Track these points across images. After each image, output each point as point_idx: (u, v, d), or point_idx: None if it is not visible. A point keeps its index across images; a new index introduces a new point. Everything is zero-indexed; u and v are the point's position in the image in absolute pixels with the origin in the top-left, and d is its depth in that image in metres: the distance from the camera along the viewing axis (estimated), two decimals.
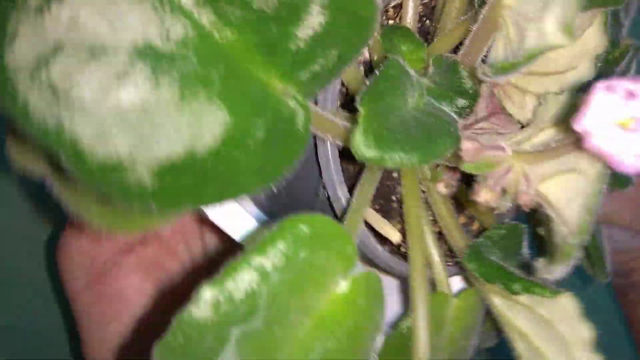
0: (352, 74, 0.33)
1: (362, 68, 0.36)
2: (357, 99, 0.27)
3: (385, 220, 0.35)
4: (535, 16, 0.24)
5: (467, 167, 0.27)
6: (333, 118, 0.29)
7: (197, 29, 0.22)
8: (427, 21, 0.40)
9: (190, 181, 0.23)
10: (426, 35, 0.40)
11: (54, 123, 0.20)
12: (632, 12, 0.40)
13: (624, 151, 0.21)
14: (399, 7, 0.38)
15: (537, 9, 0.24)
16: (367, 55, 0.37)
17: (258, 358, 0.23)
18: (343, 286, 0.26)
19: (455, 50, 0.34)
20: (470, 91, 0.31)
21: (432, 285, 0.38)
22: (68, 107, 0.20)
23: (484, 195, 0.27)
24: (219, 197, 0.24)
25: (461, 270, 0.37)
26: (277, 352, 0.24)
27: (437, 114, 0.30)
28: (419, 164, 0.28)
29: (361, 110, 0.27)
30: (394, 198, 0.38)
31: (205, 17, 0.22)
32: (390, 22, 0.39)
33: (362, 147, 0.26)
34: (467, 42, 0.30)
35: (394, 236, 0.35)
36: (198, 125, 0.23)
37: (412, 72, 0.31)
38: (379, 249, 0.35)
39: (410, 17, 0.36)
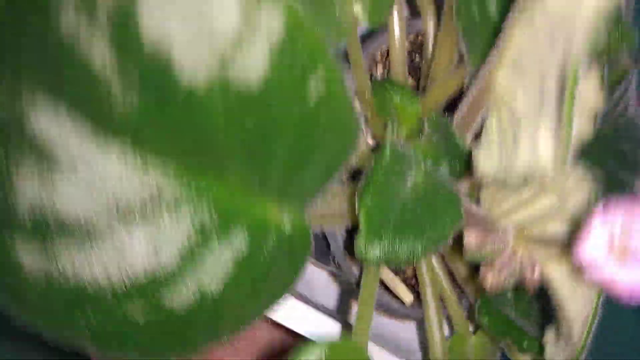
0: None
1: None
2: (357, 194, 0.28)
3: (400, 282, 0.36)
4: (529, 120, 0.23)
5: (471, 257, 0.27)
6: (334, 211, 0.30)
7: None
8: (417, 58, 0.39)
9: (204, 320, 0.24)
10: (417, 74, 0.39)
11: None
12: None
13: (618, 280, 0.21)
14: (387, 54, 0.37)
15: (530, 112, 0.23)
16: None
17: None
18: None
19: (449, 103, 0.34)
20: (466, 155, 0.31)
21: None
22: None
23: (490, 280, 0.28)
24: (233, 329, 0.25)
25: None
26: None
27: (438, 189, 0.30)
28: (422, 255, 0.28)
29: (360, 210, 0.27)
30: None
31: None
32: (379, 66, 0.37)
33: (365, 252, 0.27)
34: (461, 109, 0.29)
35: (407, 297, 0.36)
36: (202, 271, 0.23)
37: (408, 149, 0.30)
38: (394, 304, 0.36)
39: (399, 63, 0.35)
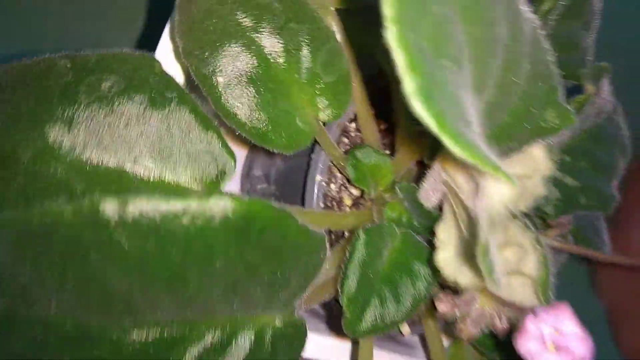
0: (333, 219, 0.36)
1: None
2: (338, 280, 0.32)
3: None
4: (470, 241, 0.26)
5: (445, 319, 0.31)
6: (322, 287, 0.34)
7: None
8: (385, 101, 0.41)
9: None
10: (387, 115, 0.41)
11: None
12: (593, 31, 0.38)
13: None
14: (356, 120, 0.39)
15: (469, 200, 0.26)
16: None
17: None
18: None
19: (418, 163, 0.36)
20: (435, 218, 0.34)
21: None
22: None
23: (466, 334, 0.32)
24: None
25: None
26: None
27: (412, 253, 0.34)
28: (403, 320, 0.32)
29: (342, 299, 0.31)
30: None
31: None
32: (351, 126, 0.40)
33: (354, 330, 0.31)
34: (424, 187, 0.32)
35: (405, 331, 0.40)
36: None
37: (381, 223, 0.34)
38: (396, 336, 0.41)
39: (368, 128, 0.37)
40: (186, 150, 0.29)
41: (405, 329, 0.40)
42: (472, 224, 0.24)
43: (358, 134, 0.40)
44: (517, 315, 0.31)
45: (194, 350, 0.27)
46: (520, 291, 0.31)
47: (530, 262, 0.31)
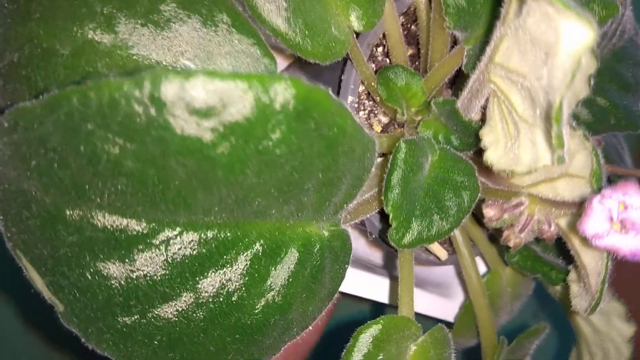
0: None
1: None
2: (382, 191, 0.31)
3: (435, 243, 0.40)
4: (526, 123, 0.25)
5: (492, 226, 0.31)
6: (365, 203, 0.33)
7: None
8: (413, 27, 0.40)
9: (276, 325, 0.29)
10: (416, 41, 0.40)
11: None
12: None
13: (620, 247, 0.24)
14: (383, 40, 0.38)
15: (526, 116, 0.25)
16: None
17: None
18: (413, 349, 0.32)
19: (450, 81, 0.35)
20: (475, 130, 0.33)
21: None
22: None
23: (513, 241, 0.31)
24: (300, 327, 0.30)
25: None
26: None
27: (454, 167, 0.33)
28: (450, 232, 0.31)
29: (387, 207, 0.30)
30: None
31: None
32: (379, 49, 0.39)
33: (400, 241, 0.30)
34: (464, 94, 0.32)
35: (442, 254, 0.40)
36: None
37: (419, 137, 0.33)
38: (433, 259, 0.40)
39: (397, 49, 0.36)
40: (225, 51, 0.28)
41: (442, 253, 0.40)
42: (535, 103, 0.24)
43: (385, 59, 0.39)
44: (568, 216, 0.31)
45: (245, 255, 0.27)
46: (568, 192, 0.30)
47: (577, 161, 0.30)
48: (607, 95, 0.39)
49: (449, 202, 0.32)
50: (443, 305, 0.45)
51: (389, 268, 0.46)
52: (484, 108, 0.31)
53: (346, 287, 0.40)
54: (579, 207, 0.27)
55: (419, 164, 0.32)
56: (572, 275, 0.32)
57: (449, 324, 0.44)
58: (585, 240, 0.30)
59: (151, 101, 0.21)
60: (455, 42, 0.34)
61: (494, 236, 0.42)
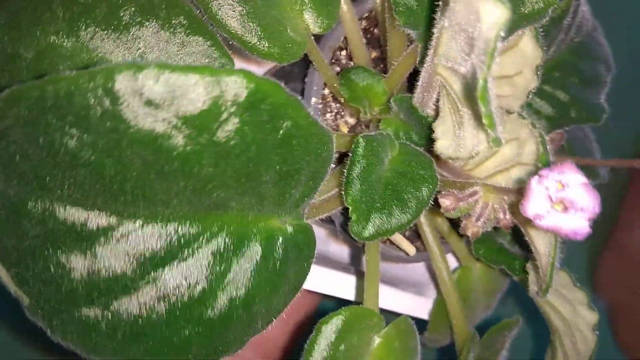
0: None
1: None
2: (343, 185, 0.32)
3: (403, 238, 0.41)
4: (467, 113, 0.26)
5: (449, 216, 0.32)
6: (328, 200, 0.34)
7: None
8: (375, 29, 0.41)
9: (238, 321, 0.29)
10: (378, 44, 0.41)
11: None
12: None
13: (562, 227, 0.25)
14: (345, 43, 0.40)
15: (465, 101, 0.26)
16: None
17: None
18: (377, 341, 0.33)
19: (410, 75, 0.37)
20: (429, 124, 0.34)
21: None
22: None
23: (471, 230, 0.32)
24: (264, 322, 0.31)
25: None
26: None
27: (413, 161, 0.34)
28: (409, 223, 0.32)
29: (347, 202, 0.31)
30: None
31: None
32: (343, 53, 0.40)
33: (360, 233, 0.31)
34: (418, 90, 0.33)
35: (410, 250, 0.41)
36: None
37: (380, 132, 0.34)
38: (402, 255, 0.41)
39: (359, 50, 0.38)
40: (184, 52, 0.29)
41: (409, 248, 0.41)
42: (468, 86, 0.25)
43: (349, 62, 0.41)
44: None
45: (207, 249, 0.27)
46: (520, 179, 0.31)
47: (528, 150, 0.31)
48: (568, 90, 0.41)
49: (408, 194, 0.33)
50: (420, 304, 0.45)
51: (356, 265, 0.47)
52: (437, 102, 0.33)
53: (312, 284, 0.41)
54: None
55: (378, 158, 0.33)
56: (530, 264, 0.33)
57: (425, 323, 0.45)
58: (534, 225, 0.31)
59: (105, 93, 0.22)
60: (411, 41, 0.36)
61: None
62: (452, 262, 0.45)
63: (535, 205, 0.25)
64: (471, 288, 0.43)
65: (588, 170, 0.47)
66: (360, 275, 0.44)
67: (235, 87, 0.24)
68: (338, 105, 0.41)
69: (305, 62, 0.39)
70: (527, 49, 0.32)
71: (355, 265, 0.47)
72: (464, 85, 0.25)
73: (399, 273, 0.48)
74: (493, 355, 0.42)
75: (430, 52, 0.29)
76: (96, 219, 0.25)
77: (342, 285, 0.42)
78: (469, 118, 0.26)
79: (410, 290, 0.45)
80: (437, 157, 0.34)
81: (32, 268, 0.25)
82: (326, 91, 0.40)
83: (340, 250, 0.48)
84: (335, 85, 0.37)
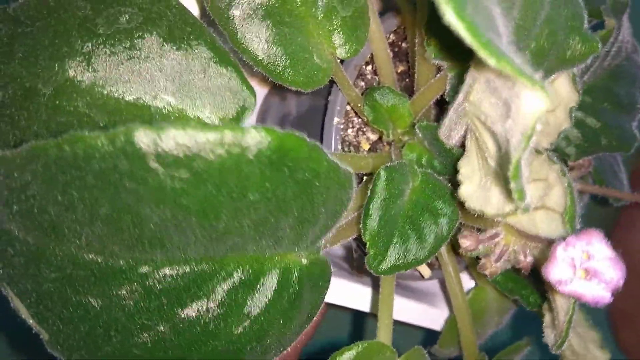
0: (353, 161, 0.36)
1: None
2: (361, 218, 0.32)
3: None
4: (495, 167, 0.25)
5: (469, 256, 0.31)
6: (344, 228, 0.34)
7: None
8: (403, 44, 0.40)
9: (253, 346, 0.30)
10: (406, 58, 0.40)
11: None
12: None
13: (583, 294, 0.24)
14: (371, 58, 0.38)
15: (495, 161, 0.25)
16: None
17: None
18: None
19: (437, 102, 0.36)
20: (456, 157, 0.33)
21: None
22: None
23: (490, 270, 0.32)
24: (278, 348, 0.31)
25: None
26: None
27: (434, 192, 0.33)
28: (426, 259, 0.32)
29: (365, 235, 0.31)
30: None
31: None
32: (368, 68, 0.39)
33: (377, 267, 0.31)
34: (445, 122, 0.32)
35: (426, 273, 0.40)
36: None
37: (401, 162, 0.33)
38: (416, 274, 0.41)
39: (385, 69, 0.36)
40: (205, 85, 0.28)
41: (425, 271, 0.41)
42: (501, 150, 0.24)
43: (374, 77, 0.39)
44: (542, 249, 0.31)
45: (223, 287, 0.28)
46: (545, 225, 0.31)
47: (554, 195, 0.31)
48: (599, 116, 0.39)
49: (427, 229, 0.32)
50: (432, 315, 0.46)
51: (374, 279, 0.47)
52: (464, 137, 0.32)
53: (328, 296, 0.41)
54: (550, 244, 0.28)
55: (398, 190, 0.32)
56: (546, 306, 0.33)
57: (437, 333, 0.45)
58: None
59: (124, 154, 0.22)
60: (440, 68, 0.34)
61: None
62: (466, 278, 0.44)
63: (558, 272, 0.25)
64: (485, 308, 0.43)
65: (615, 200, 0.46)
66: (375, 282, 0.43)
67: (256, 144, 0.23)
68: (360, 120, 0.40)
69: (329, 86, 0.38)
70: (563, 90, 0.30)
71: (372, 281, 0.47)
72: (496, 145, 0.24)
73: (411, 284, 0.48)
74: None
75: (461, 94, 0.28)
76: (113, 264, 0.25)
77: (357, 297, 0.42)
78: (496, 178, 0.26)
79: (423, 300, 0.45)
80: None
81: (51, 309, 0.25)
82: (348, 107, 0.39)
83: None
84: (359, 105, 0.36)
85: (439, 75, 0.34)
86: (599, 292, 0.24)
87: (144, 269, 0.25)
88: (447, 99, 0.32)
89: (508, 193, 0.25)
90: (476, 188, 0.28)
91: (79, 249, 0.24)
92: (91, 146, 0.21)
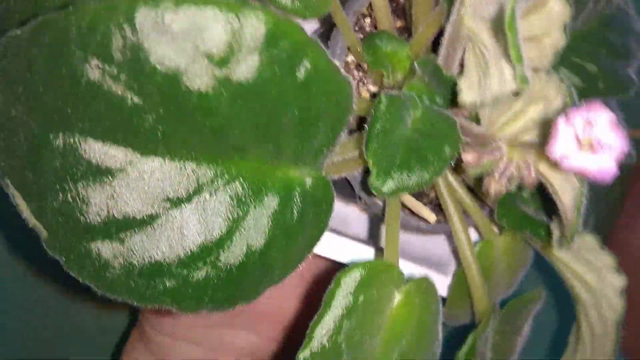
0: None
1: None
2: (363, 141, 0.32)
3: (422, 205, 0.40)
4: (493, 52, 0.26)
5: (471, 173, 0.31)
6: (348, 159, 0.34)
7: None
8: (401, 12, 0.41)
9: (255, 270, 0.29)
10: (404, 14, 0.41)
11: None
12: None
13: (589, 167, 0.24)
14: (370, 10, 0.40)
15: (492, 45, 0.26)
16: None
17: None
18: (398, 298, 0.32)
19: (434, 41, 0.36)
20: (454, 83, 0.34)
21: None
22: None
23: (494, 188, 0.31)
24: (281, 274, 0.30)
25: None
26: None
27: (436, 119, 0.34)
28: (430, 181, 0.32)
29: (368, 156, 0.31)
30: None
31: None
32: (367, 19, 0.40)
33: (380, 188, 0.31)
34: (442, 48, 0.33)
35: (431, 217, 0.40)
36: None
37: (403, 93, 0.34)
38: (422, 225, 0.41)
39: (383, 15, 0.38)
40: None
41: (430, 216, 0.40)
42: (497, 24, 0.24)
43: (373, 29, 0.40)
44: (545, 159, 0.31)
45: (224, 193, 0.27)
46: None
47: (554, 108, 0.31)
48: (596, 61, 0.40)
49: (429, 153, 0.32)
50: (441, 281, 0.44)
51: (375, 239, 0.46)
52: (462, 61, 0.32)
53: (331, 253, 0.40)
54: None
55: (400, 116, 0.32)
56: (554, 224, 0.32)
57: (444, 300, 0.44)
58: (562, 179, 0.30)
59: (127, 23, 0.22)
60: (437, 3, 0.35)
61: (485, 204, 0.42)
62: (475, 237, 0.44)
63: (561, 146, 0.24)
64: (493, 263, 0.42)
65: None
66: (378, 249, 0.43)
67: (254, 24, 0.24)
68: (361, 73, 0.40)
69: (329, 31, 0.39)
70: (556, 8, 0.31)
71: (373, 240, 0.47)
72: (493, 28, 0.25)
73: (420, 252, 0.47)
74: (515, 330, 0.40)
75: (457, 4, 0.29)
76: (116, 154, 0.25)
77: (361, 256, 0.42)
78: (495, 61, 0.26)
79: (432, 267, 0.44)
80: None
81: (51, 201, 0.25)
82: (349, 58, 0.40)
83: (359, 228, 0.48)
84: (358, 49, 0.37)
85: (434, 12, 0.35)
86: (604, 161, 0.24)
87: (147, 163, 0.25)
88: (444, 26, 0.33)
89: (508, 66, 0.25)
90: (474, 90, 0.28)
91: (82, 134, 0.24)
92: (95, 15, 0.22)
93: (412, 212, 0.41)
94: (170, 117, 0.25)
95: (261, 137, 0.27)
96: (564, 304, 0.41)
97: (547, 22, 0.33)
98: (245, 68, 0.25)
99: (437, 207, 0.44)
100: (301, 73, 0.26)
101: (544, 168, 0.31)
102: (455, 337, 0.40)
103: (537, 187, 0.32)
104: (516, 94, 0.27)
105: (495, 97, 0.26)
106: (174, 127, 0.25)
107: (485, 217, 0.42)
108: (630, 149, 0.48)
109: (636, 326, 0.64)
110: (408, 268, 0.43)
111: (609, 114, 0.24)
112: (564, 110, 0.28)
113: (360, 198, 0.40)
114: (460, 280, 0.41)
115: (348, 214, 0.47)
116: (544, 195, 0.37)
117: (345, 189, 0.42)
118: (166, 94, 0.24)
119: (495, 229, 0.43)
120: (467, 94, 0.28)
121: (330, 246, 0.40)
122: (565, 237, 0.27)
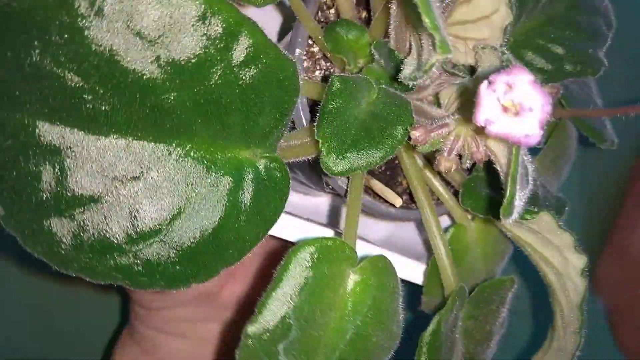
0: (311, 88, 0.37)
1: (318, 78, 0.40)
2: (316, 121, 0.32)
3: (389, 189, 0.40)
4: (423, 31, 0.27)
5: (422, 149, 0.32)
6: (304, 144, 0.35)
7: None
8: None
9: (209, 250, 0.30)
10: (368, 5, 0.42)
11: None
12: None
13: (513, 131, 0.24)
14: (334, 5, 0.41)
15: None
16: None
17: (306, 356, 0.30)
18: (352, 276, 0.32)
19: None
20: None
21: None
22: None
23: (444, 165, 0.32)
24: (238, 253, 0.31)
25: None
26: (319, 345, 0.31)
27: (390, 103, 0.34)
28: (382, 160, 0.32)
29: (318, 135, 0.32)
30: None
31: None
32: (332, 12, 0.41)
33: (331, 167, 0.32)
34: (392, 32, 0.33)
35: (396, 201, 0.40)
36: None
37: (358, 76, 0.35)
38: (392, 210, 0.41)
39: (345, 4, 0.39)
40: None
41: (396, 200, 0.40)
42: None
43: (338, 19, 0.41)
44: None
45: (173, 173, 0.28)
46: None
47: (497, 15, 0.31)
48: (563, 43, 0.40)
49: (382, 133, 0.33)
50: (416, 268, 0.45)
51: (336, 224, 0.47)
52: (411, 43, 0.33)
53: (291, 234, 0.40)
54: None
55: (354, 97, 0.33)
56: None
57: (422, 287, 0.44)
58: (506, 149, 0.30)
59: (63, 6, 0.24)
60: None
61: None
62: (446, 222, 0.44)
63: (485, 111, 0.25)
64: (466, 248, 0.42)
65: (596, 135, 0.45)
66: (339, 233, 0.43)
67: (187, 3, 0.25)
68: (329, 63, 0.41)
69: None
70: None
71: (334, 225, 0.47)
72: None
73: (398, 240, 0.47)
74: (489, 315, 0.40)
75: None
76: (63, 134, 0.26)
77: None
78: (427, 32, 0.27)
79: (407, 254, 0.45)
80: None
81: (6, 179, 0.27)
82: (316, 49, 0.41)
83: (331, 218, 0.48)
84: (320, 37, 0.38)
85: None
86: (528, 124, 0.24)
87: (93, 141, 0.27)
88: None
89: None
90: (414, 62, 0.29)
91: (30, 115, 0.26)
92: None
93: (384, 200, 0.41)
94: (111, 97, 0.26)
95: (205, 116, 0.28)
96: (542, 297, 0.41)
97: (494, 1, 0.33)
98: (180, 47, 0.26)
99: (411, 196, 0.44)
100: (238, 51, 0.27)
101: (490, 142, 0.31)
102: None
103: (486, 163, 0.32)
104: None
105: (424, 66, 0.27)
106: (116, 107, 0.26)
107: (458, 203, 0.42)
108: (612, 135, 0.48)
109: (636, 326, 0.63)
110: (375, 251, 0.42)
111: (529, 75, 0.24)
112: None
113: (327, 184, 0.41)
114: (434, 267, 0.41)
115: (319, 204, 0.47)
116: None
117: (318, 180, 0.43)
118: (104, 73, 0.25)
119: (469, 215, 0.43)
120: (407, 68, 0.29)
121: (287, 227, 0.40)
122: (504, 207, 0.27)
